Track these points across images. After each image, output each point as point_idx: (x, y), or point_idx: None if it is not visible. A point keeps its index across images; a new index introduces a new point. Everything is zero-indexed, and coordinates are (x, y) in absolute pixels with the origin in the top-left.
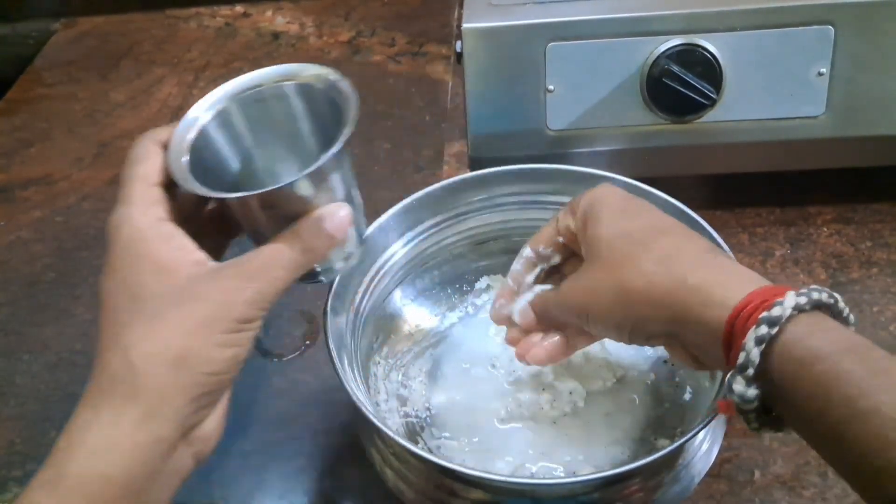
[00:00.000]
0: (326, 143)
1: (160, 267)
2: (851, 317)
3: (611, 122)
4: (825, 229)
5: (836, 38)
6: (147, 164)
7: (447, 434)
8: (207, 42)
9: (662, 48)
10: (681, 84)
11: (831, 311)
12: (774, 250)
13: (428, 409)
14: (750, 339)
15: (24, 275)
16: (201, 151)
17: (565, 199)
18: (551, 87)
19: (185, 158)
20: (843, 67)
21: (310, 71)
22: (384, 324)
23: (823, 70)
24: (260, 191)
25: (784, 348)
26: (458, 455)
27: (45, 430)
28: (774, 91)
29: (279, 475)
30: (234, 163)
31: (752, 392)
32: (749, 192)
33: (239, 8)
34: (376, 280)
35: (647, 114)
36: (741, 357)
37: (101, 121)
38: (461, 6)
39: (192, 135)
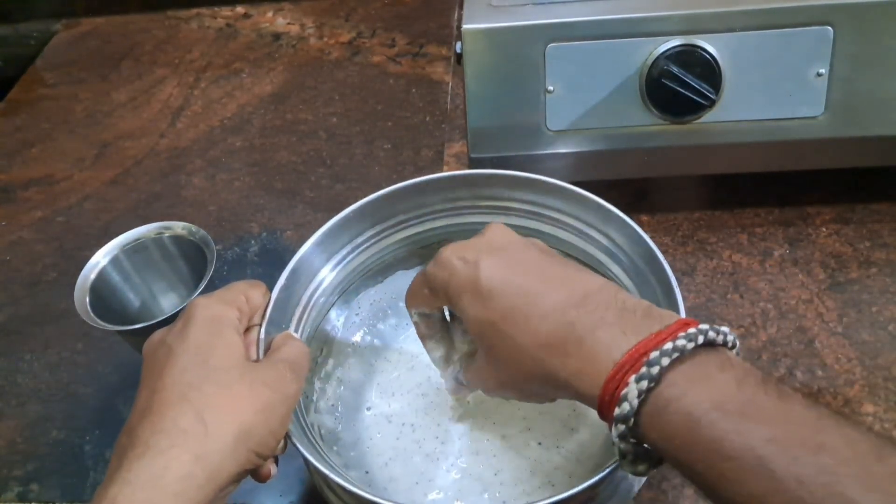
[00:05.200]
0: (199, 280)
1: (232, 346)
2: (730, 339)
3: (610, 123)
4: (824, 229)
5: (835, 39)
6: (260, 300)
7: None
8: (208, 43)
9: (662, 49)
10: (680, 85)
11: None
12: (773, 250)
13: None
14: (621, 411)
15: (25, 275)
16: (100, 290)
17: (502, 203)
18: (551, 88)
19: (87, 298)
20: (841, 68)
21: (180, 225)
22: (327, 338)
23: (822, 70)
24: (144, 324)
25: (661, 407)
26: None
27: (47, 429)
28: (773, 92)
29: (279, 474)
30: (132, 298)
31: (628, 447)
32: (748, 192)
33: (240, 9)
34: (314, 298)
35: (647, 114)
36: (619, 414)
37: (102, 121)
38: (461, 7)
39: (93, 275)
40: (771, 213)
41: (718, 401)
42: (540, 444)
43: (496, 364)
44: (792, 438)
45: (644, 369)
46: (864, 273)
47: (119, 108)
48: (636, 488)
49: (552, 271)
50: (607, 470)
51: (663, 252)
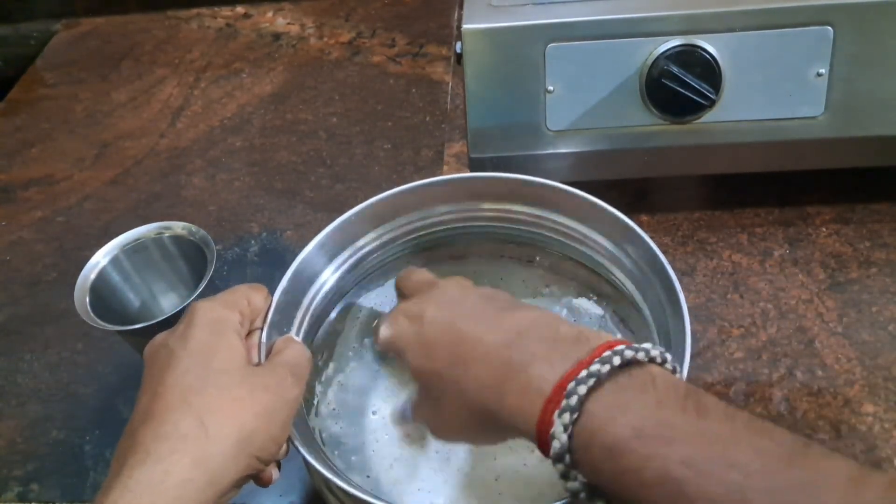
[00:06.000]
0: (199, 280)
1: (234, 350)
2: (655, 354)
3: (610, 123)
4: (824, 229)
5: (835, 39)
6: (261, 303)
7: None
8: (208, 43)
9: (662, 49)
10: (680, 85)
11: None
12: (773, 250)
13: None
14: (555, 443)
15: (25, 275)
16: (100, 290)
17: (504, 206)
18: (551, 88)
19: (87, 298)
20: (841, 68)
21: (180, 225)
22: (328, 342)
23: (822, 70)
24: (144, 324)
25: (587, 440)
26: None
27: (47, 429)
28: (773, 92)
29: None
30: (132, 298)
31: (576, 485)
32: (748, 192)
33: (240, 9)
34: (315, 301)
35: (647, 114)
36: (553, 453)
37: (102, 121)
38: (461, 7)
39: (93, 275)
40: (771, 213)
41: (637, 427)
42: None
43: (443, 410)
44: (704, 458)
45: (564, 401)
46: (864, 273)
47: (119, 108)
48: None
49: (491, 315)
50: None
51: (663, 252)
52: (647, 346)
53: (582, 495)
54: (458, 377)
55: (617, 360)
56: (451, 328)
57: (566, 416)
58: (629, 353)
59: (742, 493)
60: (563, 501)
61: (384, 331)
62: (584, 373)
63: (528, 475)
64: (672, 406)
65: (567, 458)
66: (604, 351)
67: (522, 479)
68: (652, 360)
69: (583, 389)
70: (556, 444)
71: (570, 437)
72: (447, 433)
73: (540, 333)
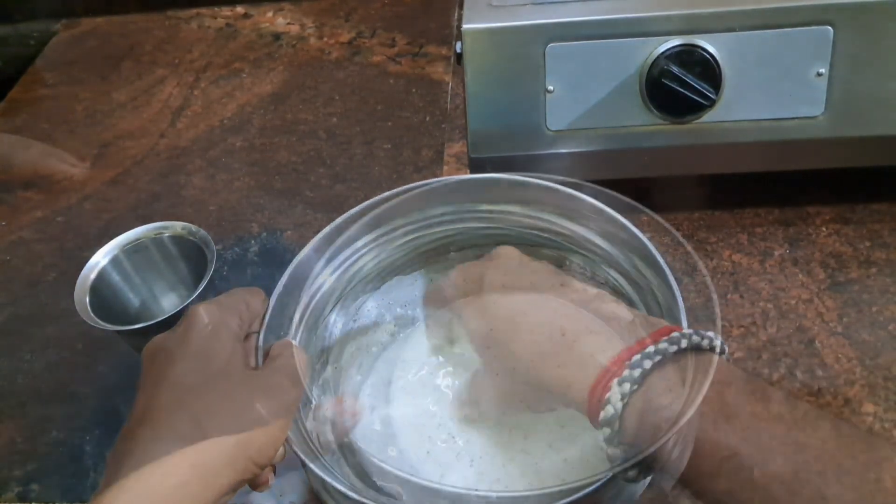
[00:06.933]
0: (199, 280)
1: (232, 353)
2: (717, 343)
3: (610, 123)
4: (824, 229)
5: (836, 39)
6: (259, 307)
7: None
8: (208, 43)
9: (662, 49)
10: (680, 84)
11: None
12: (773, 250)
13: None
14: (608, 410)
15: (25, 275)
16: (100, 290)
17: (502, 207)
18: (551, 88)
19: (87, 298)
20: (842, 68)
21: (179, 225)
22: (325, 345)
23: (822, 70)
24: (144, 324)
25: (642, 409)
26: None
27: (46, 429)
28: (773, 91)
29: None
30: (132, 298)
31: (617, 451)
32: (748, 191)
33: (240, 9)
34: (312, 304)
35: (647, 114)
36: (604, 417)
37: (102, 121)
38: (461, 7)
39: (93, 275)
40: (771, 212)
41: (695, 403)
42: (551, 446)
43: (496, 376)
44: (767, 435)
45: (627, 372)
46: (864, 273)
47: (119, 108)
48: (640, 492)
49: (550, 285)
50: (607, 476)
51: (663, 252)
52: (710, 334)
53: (618, 462)
54: (509, 340)
55: (685, 343)
56: (509, 292)
57: (626, 386)
58: (696, 339)
59: (807, 471)
60: (574, 497)
61: (443, 289)
62: (651, 348)
63: (536, 472)
64: (735, 390)
65: (617, 424)
66: (666, 333)
67: (532, 480)
68: (713, 349)
69: (648, 364)
70: (609, 409)
71: (624, 405)
72: (502, 399)
73: (596, 309)
